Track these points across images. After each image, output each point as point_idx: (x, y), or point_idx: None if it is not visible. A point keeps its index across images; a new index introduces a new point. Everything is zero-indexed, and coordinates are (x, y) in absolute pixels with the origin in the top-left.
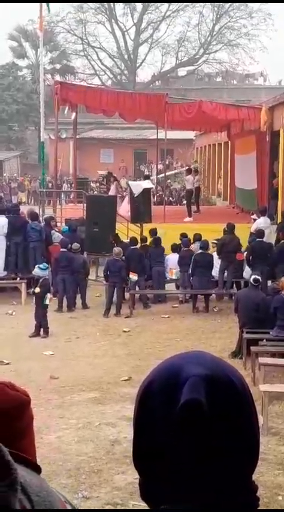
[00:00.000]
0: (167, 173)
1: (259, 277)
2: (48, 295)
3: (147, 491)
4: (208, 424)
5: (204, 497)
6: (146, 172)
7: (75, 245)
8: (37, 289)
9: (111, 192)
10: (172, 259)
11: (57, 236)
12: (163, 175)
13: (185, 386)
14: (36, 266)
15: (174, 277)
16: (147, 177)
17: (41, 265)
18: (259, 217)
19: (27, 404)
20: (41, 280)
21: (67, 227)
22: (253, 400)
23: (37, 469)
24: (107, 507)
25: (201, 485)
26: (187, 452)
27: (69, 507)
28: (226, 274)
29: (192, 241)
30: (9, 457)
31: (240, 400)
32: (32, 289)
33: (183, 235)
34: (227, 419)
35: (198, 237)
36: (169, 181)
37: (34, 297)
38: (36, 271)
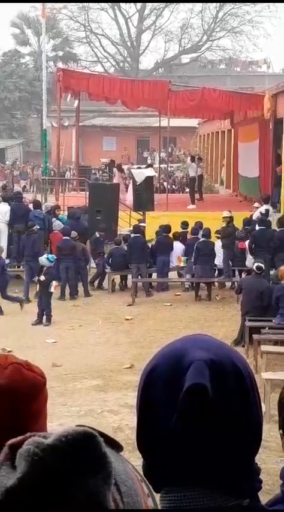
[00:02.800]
0: (170, 165)
1: (262, 265)
2: (53, 283)
3: (150, 474)
4: (212, 408)
5: (206, 480)
6: (149, 161)
7: (73, 233)
8: (42, 277)
9: (115, 180)
10: (175, 247)
11: (57, 224)
12: (165, 164)
13: (189, 370)
14: (44, 256)
15: (182, 264)
16: (149, 166)
17: (50, 257)
18: (262, 205)
19: (43, 385)
20: (45, 268)
21: (66, 216)
22: (257, 384)
23: (119, 447)
24: None
25: (203, 468)
26: (190, 437)
27: (144, 486)
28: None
29: (189, 229)
30: (105, 449)
31: (244, 384)
32: (37, 278)
33: (184, 224)
34: (231, 404)
35: (199, 225)
36: (172, 169)
37: (38, 285)
38: (43, 260)
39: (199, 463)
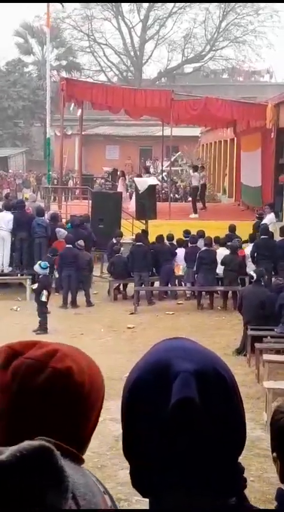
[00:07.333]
0: (172, 168)
1: (260, 273)
2: (44, 292)
3: (137, 480)
4: (200, 419)
5: (193, 482)
6: (151, 169)
7: (81, 242)
8: (34, 285)
9: (119, 188)
10: (179, 254)
11: (62, 233)
12: (167, 173)
13: (175, 383)
14: (38, 263)
15: (181, 273)
16: (147, 169)
17: (42, 264)
18: (269, 213)
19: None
20: (38, 277)
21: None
22: (238, 388)
23: (80, 460)
24: None
25: (190, 472)
26: (177, 447)
27: (108, 499)
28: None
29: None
30: (62, 463)
31: (228, 391)
32: (31, 286)
33: (186, 232)
34: (217, 410)
35: (201, 234)
36: (174, 178)
37: (34, 294)
38: (37, 268)
39: (186, 468)
